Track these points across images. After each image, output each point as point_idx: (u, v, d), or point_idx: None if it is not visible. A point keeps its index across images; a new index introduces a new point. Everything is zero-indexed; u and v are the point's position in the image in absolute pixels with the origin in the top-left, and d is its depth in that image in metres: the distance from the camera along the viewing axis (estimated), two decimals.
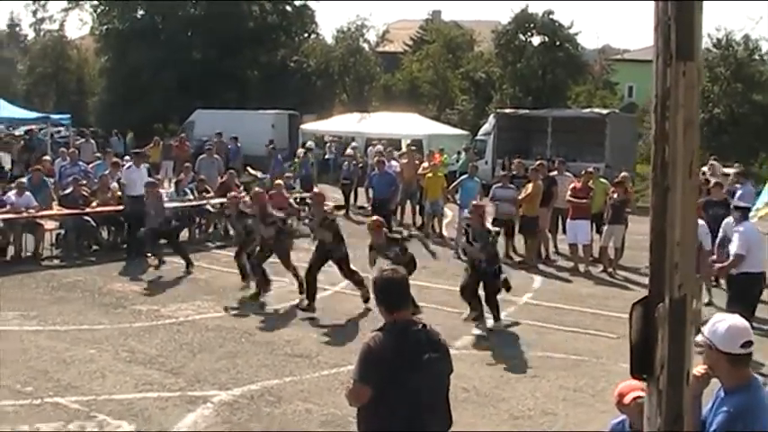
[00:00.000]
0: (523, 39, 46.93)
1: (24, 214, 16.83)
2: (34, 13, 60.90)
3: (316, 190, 16.87)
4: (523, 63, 45.65)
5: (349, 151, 29.08)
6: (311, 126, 39.84)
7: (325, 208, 15.06)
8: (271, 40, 50.00)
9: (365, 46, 53.47)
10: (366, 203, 22.35)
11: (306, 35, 53.84)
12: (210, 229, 20.56)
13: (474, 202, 14.31)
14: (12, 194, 17.27)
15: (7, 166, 24.57)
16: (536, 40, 46.86)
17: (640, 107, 44.64)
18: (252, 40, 48.00)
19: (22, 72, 59.54)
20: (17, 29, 69.57)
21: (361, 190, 24.34)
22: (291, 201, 21.37)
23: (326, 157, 34.32)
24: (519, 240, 18.41)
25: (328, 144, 35.70)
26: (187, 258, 16.42)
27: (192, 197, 20.06)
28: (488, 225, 13.61)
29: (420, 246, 19.84)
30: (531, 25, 46.62)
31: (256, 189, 16.35)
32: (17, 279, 15.09)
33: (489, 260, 12.62)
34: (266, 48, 49.60)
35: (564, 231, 18.58)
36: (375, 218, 14.04)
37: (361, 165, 26.60)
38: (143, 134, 38.39)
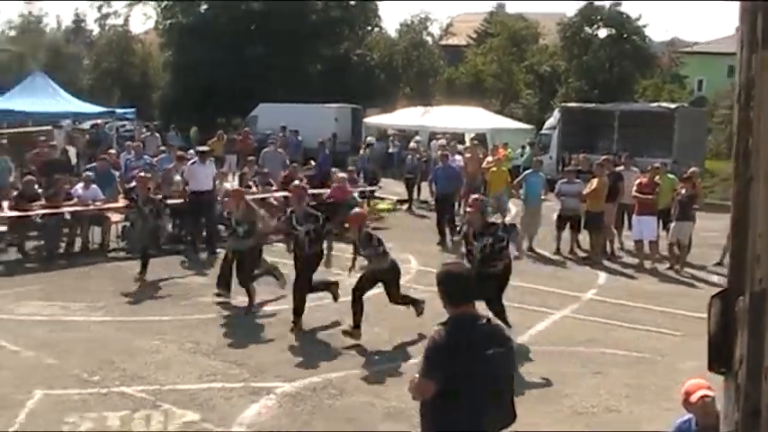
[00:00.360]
0: (589, 31, 46.46)
1: (91, 207, 17.09)
2: (99, 8, 61.72)
3: (296, 182, 15.66)
4: (589, 56, 45.21)
5: (412, 145, 29.04)
6: (374, 120, 39.86)
7: (308, 203, 13.47)
8: (334, 33, 50.06)
9: (428, 39, 53.38)
10: (429, 198, 22.29)
11: (369, 29, 53.89)
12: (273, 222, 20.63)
13: (473, 196, 13.13)
14: (79, 187, 17.56)
15: (74, 159, 24.90)
16: (602, 33, 46.35)
17: (710, 101, 43.89)
18: (315, 34, 48.10)
19: (87, 67, 60.31)
20: (82, 24, 70.48)
21: (424, 184, 24.26)
22: (355, 195, 21.49)
23: (390, 151, 34.29)
24: (584, 236, 18.23)
25: (391, 138, 35.68)
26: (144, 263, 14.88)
27: (255, 191, 20.20)
28: (492, 219, 12.52)
29: None
30: (598, 17, 46.11)
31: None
32: (84, 271, 15.31)
33: (486, 260, 11.34)
34: (329, 41, 49.69)
35: (630, 227, 18.34)
36: (356, 211, 12.80)
37: (424, 159, 26.55)
38: (206, 128, 38.72)
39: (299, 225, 12.23)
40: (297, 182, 15.85)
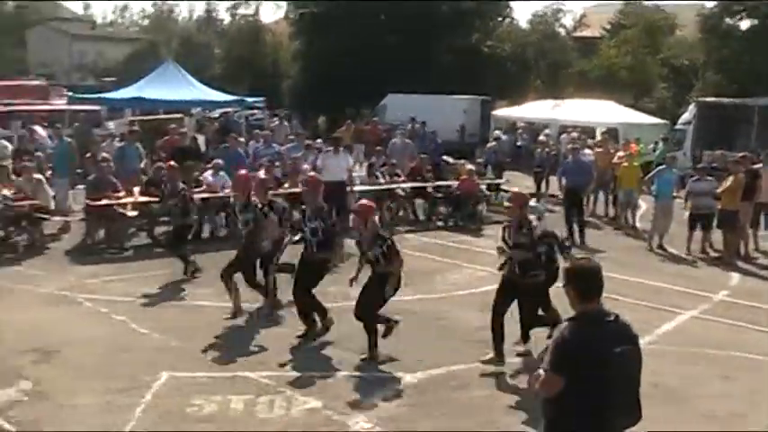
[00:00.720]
0: (730, 22, 44.85)
1: (219, 194, 17.50)
2: None
3: (312, 173, 14.78)
4: (729, 48, 43.66)
5: (541, 138, 28.75)
6: (503, 112, 39.61)
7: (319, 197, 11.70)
8: (465, 24, 49.69)
9: (561, 31, 52.63)
10: (558, 192, 22.05)
11: (500, 19, 53.43)
12: (400, 213, 20.78)
13: (515, 190, 11.75)
14: (208, 174, 18.00)
15: (203, 147, 25.59)
16: (744, 24, 44.67)
17: None
18: (446, 25, 47.90)
19: (218, 56, 61.75)
20: (214, 14, 72.37)
21: (552, 178, 24.01)
22: (483, 187, 21.46)
23: (518, 144, 34.03)
24: (717, 235, 17.75)
25: (520, 131, 35.40)
26: (186, 261, 14.40)
27: (382, 181, 20.39)
28: (534, 222, 10.72)
29: (613, 236, 19.55)
30: (741, 8, 44.46)
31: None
32: (212, 257, 15.54)
33: (526, 266, 10.16)
34: (460, 32, 49.34)
35: (766, 227, 17.76)
36: (363, 202, 11.10)
37: (553, 152, 26.27)
38: (335, 117, 39.13)
39: (309, 222, 11.06)
40: (312, 173, 14.76)
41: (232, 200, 13.14)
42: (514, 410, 8.71)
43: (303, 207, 11.58)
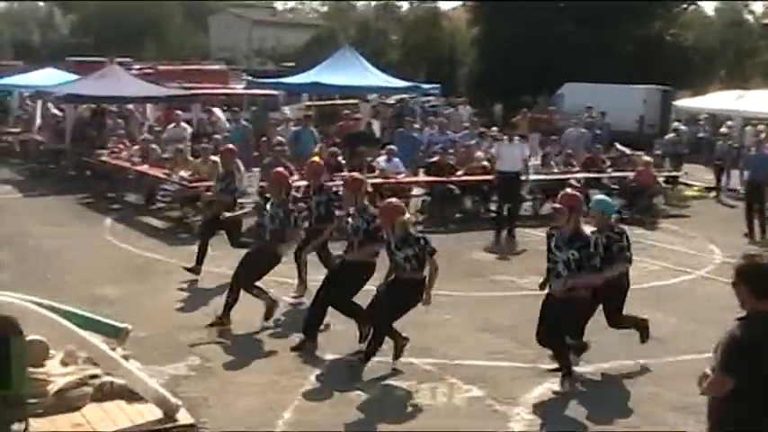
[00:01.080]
0: None
1: (392, 180, 17.58)
2: None
3: (354, 174, 12.71)
4: None
5: (723, 130, 27.68)
6: (684, 103, 38.28)
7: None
8: (646, 11, 48.22)
9: (749, 18, 50.45)
10: (739, 186, 21.15)
11: (684, 7, 51.65)
12: None
13: (565, 190, 9.57)
14: (381, 160, 18.14)
15: (378, 133, 25.80)
16: None
17: None
18: (626, 12, 46.64)
19: (395, 42, 62.28)
20: (392, 0, 72.94)
21: (734, 172, 23.06)
22: (660, 179, 20.90)
23: (699, 135, 32.85)
24: None
25: (702, 122, 34.15)
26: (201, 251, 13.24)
27: (556, 170, 20.08)
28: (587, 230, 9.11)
29: None
30: None
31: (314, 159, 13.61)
32: None
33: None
34: (641, 21, 48.04)
35: None
36: (389, 201, 9.92)
37: (736, 145, 25.23)
38: (511, 105, 38.79)
39: (352, 220, 10.16)
40: (356, 173, 12.99)
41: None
42: (681, 408, 8.39)
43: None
